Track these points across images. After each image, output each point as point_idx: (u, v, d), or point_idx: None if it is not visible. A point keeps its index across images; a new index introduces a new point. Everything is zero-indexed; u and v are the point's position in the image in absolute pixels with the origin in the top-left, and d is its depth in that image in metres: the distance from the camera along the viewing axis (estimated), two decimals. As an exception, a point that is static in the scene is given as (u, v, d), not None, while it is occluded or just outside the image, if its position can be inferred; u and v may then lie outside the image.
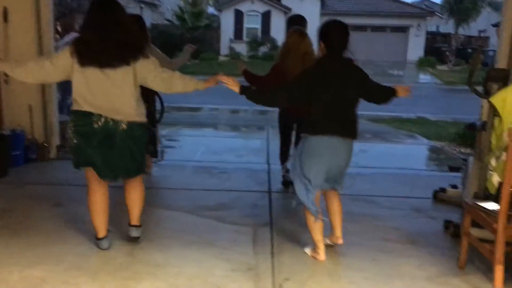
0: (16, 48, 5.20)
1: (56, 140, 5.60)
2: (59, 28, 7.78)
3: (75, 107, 3.13)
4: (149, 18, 28.31)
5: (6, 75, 5.22)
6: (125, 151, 3.17)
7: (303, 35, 4.54)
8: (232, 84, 3.19)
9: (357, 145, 6.89)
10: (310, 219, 3.26)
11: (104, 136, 3.11)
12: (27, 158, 5.29)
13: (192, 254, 3.31)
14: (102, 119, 3.09)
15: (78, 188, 4.71)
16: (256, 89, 3.36)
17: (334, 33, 3.15)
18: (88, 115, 3.08)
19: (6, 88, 5.29)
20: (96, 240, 3.32)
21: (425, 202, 4.59)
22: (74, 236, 3.52)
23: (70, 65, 3.06)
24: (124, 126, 3.12)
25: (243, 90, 3.18)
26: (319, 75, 3.11)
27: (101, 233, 3.30)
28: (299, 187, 3.24)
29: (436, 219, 4.11)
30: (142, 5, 27.13)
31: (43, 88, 5.34)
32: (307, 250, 3.39)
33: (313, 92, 3.08)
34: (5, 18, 5.18)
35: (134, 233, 3.44)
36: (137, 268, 3.09)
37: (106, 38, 3.05)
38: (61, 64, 3.09)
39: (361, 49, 27.32)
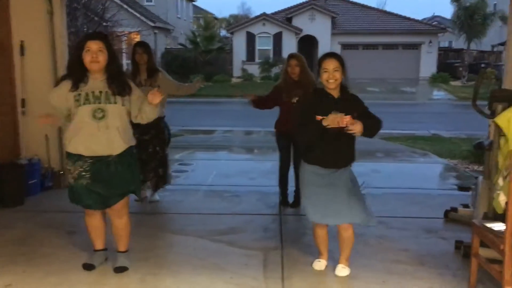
0: (32, 80, 5.39)
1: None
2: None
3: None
4: (162, 43, 28.84)
5: (23, 106, 5.44)
6: None
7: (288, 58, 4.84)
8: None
9: (369, 165, 6.94)
10: None
11: None
12: (43, 186, 5.43)
13: (203, 280, 3.37)
14: None
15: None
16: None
17: None
18: None
19: (23, 119, 5.47)
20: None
21: (436, 222, 4.58)
22: (88, 263, 3.59)
23: None
24: None
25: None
26: None
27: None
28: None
29: (447, 239, 4.10)
30: (156, 31, 27.65)
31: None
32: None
33: None
34: (22, 52, 5.38)
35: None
36: (149, 294, 3.15)
37: None
38: None
39: (373, 67, 27.45)
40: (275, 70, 25.55)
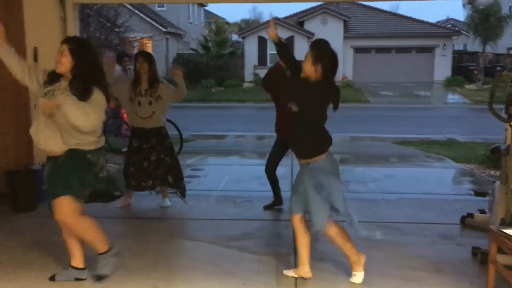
0: (46, 86, 5.41)
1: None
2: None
3: None
4: (174, 48, 28.99)
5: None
6: None
7: None
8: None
9: (382, 170, 6.86)
10: None
11: None
12: (57, 191, 5.43)
13: (215, 286, 3.34)
14: None
15: (102, 220, 4.82)
16: None
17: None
18: None
19: (37, 124, 5.50)
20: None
21: (452, 228, 4.50)
22: (100, 269, 3.58)
23: None
24: None
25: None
26: None
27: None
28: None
29: (464, 245, 4.02)
30: (168, 36, 27.81)
31: (71, 123, 5.52)
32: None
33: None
34: (35, 58, 5.41)
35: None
36: (161, 301, 3.13)
37: None
38: None
39: (386, 71, 27.23)
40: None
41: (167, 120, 7.44)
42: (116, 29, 17.83)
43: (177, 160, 5.16)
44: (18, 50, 5.32)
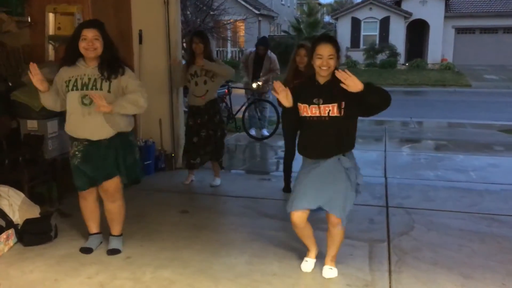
0: (148, 67, 5.71)
1: (182, 151, 6.02)
2: (184, 45, 8.43)
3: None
4: (266, 30, 29.13)
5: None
6: None
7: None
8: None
9: (485, 159, 6.46)
10: None
11: None
12: (157, 167, 5.77)
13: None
14: None
15: (202, 196, 5.06)
16: None
17: None
18: None
19: (141, 103, 5.84)
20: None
21: None
22: (199, 242, 3.77)
23: None
24: None
25: None
26: None
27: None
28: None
29: None
30: (260, 18, 27.99)
31: (171, 103, 5.80)
32: None
33: None
34: (140, 40, 5.72)
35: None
36: (256, 277, 3.22)
37: None
38: None
39: (491, 53, 25.10)
40: (381, 57, 24.67)
41: (268, 101, 7.56)
42: (212, 12, 18.28)
43: (224, 134, 5.31)
44: (126, 33, 5.70)
